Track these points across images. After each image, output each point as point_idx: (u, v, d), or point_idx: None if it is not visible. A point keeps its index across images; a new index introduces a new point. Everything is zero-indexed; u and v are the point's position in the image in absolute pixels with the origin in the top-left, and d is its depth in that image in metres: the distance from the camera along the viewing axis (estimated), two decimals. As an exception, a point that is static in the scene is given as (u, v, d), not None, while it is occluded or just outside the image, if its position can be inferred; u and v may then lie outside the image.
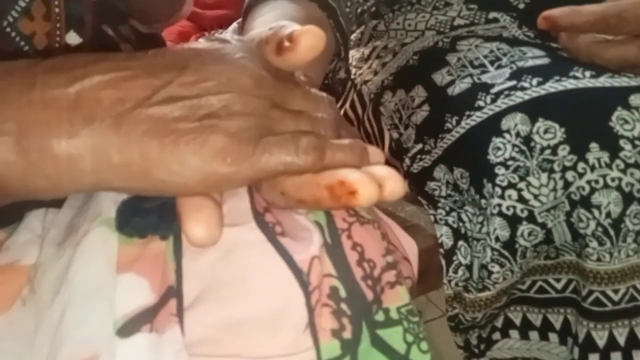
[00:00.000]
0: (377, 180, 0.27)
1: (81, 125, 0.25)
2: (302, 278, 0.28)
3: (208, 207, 0.27)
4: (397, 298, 0.33)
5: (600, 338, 0.51)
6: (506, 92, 0.52)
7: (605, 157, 0.48)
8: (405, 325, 0.33)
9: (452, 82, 0.57)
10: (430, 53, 0.63)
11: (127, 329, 0.26)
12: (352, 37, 0.76)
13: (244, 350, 0.27)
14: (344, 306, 0.30)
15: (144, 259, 0.29)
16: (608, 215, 0.48)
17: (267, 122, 0.27)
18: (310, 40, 0.29)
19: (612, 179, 0.48)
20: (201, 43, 0.29)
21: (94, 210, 0.31)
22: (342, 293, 0.30)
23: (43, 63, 0.26)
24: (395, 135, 0.64)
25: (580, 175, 0.48)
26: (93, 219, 0.31)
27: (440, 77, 0.59)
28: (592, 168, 0.48)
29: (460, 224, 0.54)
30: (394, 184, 0.28)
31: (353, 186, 0.26)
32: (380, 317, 0.32)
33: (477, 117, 0.53)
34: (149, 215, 0.29)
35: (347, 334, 0.30)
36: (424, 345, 0.33)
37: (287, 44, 0.29)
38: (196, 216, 0.26)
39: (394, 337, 0.32)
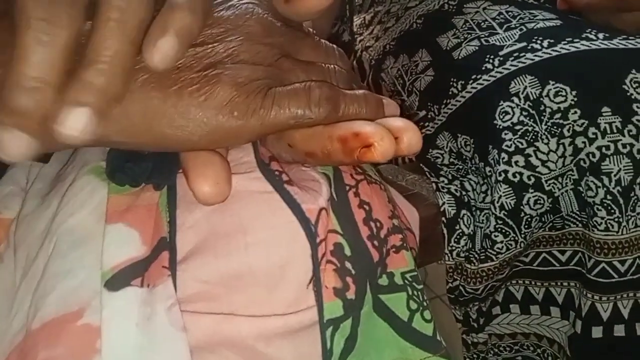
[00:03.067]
0: (393, 132, 0.25)
1: None
2: (310, 228, 0.26)
3: (215, 162, 0.25)
4: (402, 263, 0.32)
5: (605, 310, 0.50)
6: (515, 54, 0.50)
7: (617, 121, 0.46)
8: (410, 291, 0.31)
9: (458, 45, 0.55)
10: (436, 16, 0.60)
11: (117, 282, 0.24)
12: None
13: (241, 308, 0.25)
14: (348, 265, 0.28)
15: (135, 209, 0.27)
16: (618, 182, 0.46)
17: (277, 72, 0.25)
18: None
19: (624, 145, 0.46)
20: None
21: (81, 160, 0.29)
22: (347, 251, 0.28)
23: None
24: (398, 102, 0.61)
25: (591, 141, 0.47)
26: (80, 168, 0.29)
27: (445, 41, 0.56)
28: (604, 133, 0.46)
29: (463, 193, 0.53)
30: (412, 136, 0.26)
31: (369, 139, 0.25)
32: (383, 281, 0.31)
33: (484, 80, 0.51)
34: (143, 162, 0.27)
35: (351, 294, 0.28)
36: (427, 314, 0.31)
37: None
38: (204, 172, 0.24)
39: (397, 303, 0.31)
